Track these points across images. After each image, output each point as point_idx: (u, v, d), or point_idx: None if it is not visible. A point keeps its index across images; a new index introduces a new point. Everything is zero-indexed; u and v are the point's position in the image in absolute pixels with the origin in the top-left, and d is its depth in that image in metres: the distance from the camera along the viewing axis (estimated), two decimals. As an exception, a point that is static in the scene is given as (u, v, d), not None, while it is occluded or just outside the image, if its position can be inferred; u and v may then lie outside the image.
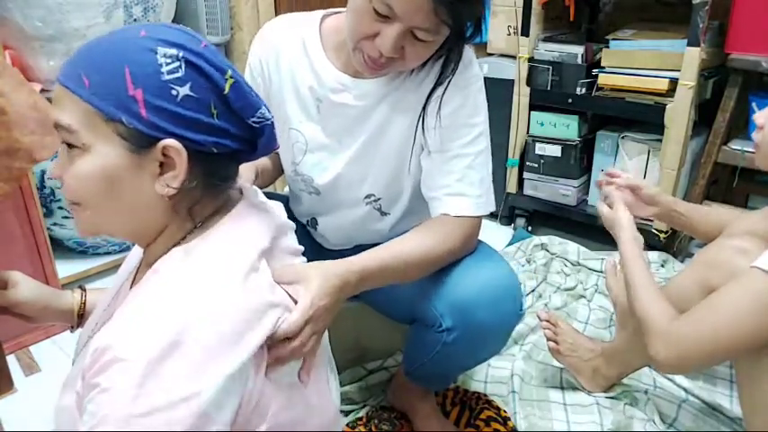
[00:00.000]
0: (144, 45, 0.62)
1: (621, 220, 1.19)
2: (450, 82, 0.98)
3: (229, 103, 0.65)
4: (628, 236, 1.16)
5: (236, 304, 0.64)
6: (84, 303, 0.90)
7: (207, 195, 0.69)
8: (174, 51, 0.62)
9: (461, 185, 0.99)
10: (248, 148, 0.70)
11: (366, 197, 1.10)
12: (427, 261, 0.95)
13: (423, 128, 1.01)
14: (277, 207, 0.80)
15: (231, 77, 0.65)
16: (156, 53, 0.62)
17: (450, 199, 0.99)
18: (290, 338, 0.70)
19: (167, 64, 0.62)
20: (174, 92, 0.62)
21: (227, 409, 0.61)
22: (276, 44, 1.07)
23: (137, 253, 0.83)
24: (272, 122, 0.70)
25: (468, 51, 1.01)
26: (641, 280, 1.06)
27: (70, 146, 0.64)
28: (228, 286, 0.65)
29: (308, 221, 1.21)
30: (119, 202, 0.65)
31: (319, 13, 1.07)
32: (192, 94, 0.62)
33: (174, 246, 0.68)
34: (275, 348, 0.69)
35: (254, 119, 0.68)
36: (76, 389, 0.64)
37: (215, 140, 0.65)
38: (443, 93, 0.98)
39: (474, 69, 1.01)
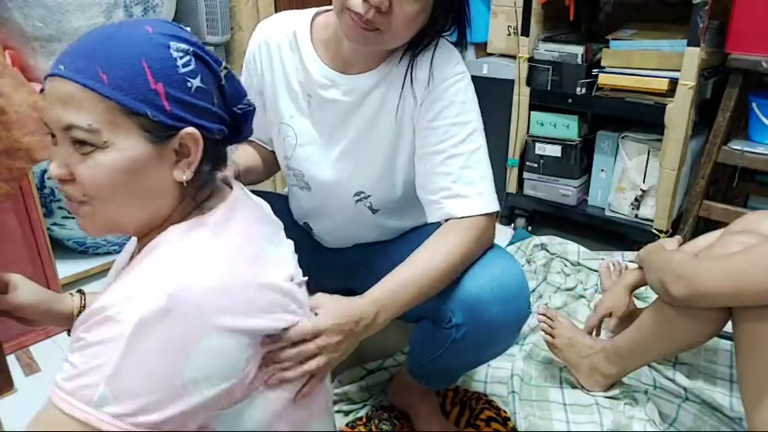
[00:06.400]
0: (156, 41, 0.64)
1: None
2: (433, 61, 0.98)
3: (224, 91, 0.71)
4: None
5: (239, 281, 0.66)
6: (84, 306, 0.90)
7: (209, 179, 0.73)
8: (184, 46, 0.66)
9: (459, 186, 0.97)
10: (234, 134, 0.75)
11: (356, 194, 1.10)
12: (443, 273, 0.93)
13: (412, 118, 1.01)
14: (262, 203, 0.82)
15: (225, 68, 0.71)
16: (170, 48, 0.65)
17: (449, 202, 0.97)
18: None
19: (180, 58, 0.65)
20: (188, 84, 0.66)
21: (208, 388, 0.63)
22: (269, 40, 1.08)
23: (126, 252, 0.85)
24: (254, 109, 0.77)
25: (451, 49, 1.01)
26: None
27: (83, 143, 0.62)
28: (235, 260, 0.67)
29: (304, 224, 1.22)
30: (140, 192, 0.66)
31: (313, 10, 1.08)
32: (202, 85, 0.67)
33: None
34: (273, 345, 0.72)
35: (240, 105, 0.74)
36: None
37: (219, 127, 0.70)
38: (423, 102, 0.99)
39: (457, 67, 0.99)
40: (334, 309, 0.82)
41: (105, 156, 0.63)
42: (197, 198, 0.72)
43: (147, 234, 0.72)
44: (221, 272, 0.65)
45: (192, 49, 0.66)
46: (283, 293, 0.73)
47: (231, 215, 0.72)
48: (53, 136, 0.65)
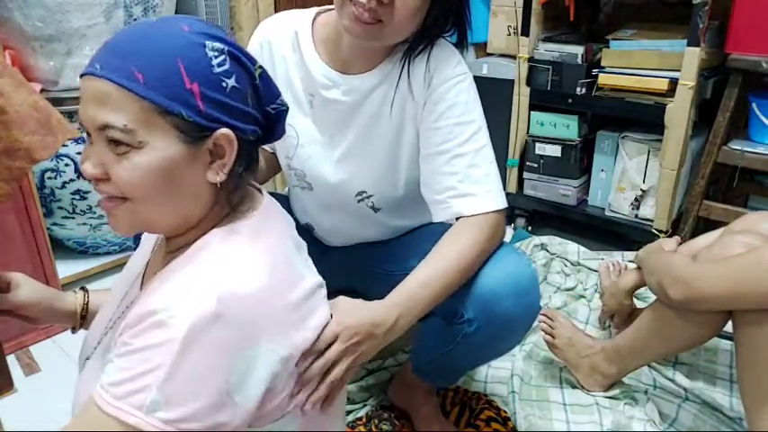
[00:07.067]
0: (192, 40, 0.63)
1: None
2: (430, 54, 0.99)
3: (258, 91, 0.70)
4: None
5: (281, 288, 0.67)
6: (87, 304, 0.90)
7: (242, 181, 0.72)
8: (219, 45, 0.65)
9: (466, 186, 0.97)
10: (266, 134, 0.74)
11: (358, 194, 1.10)
12: (460, 272, 0.93)
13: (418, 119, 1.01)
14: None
15: (259, 68, 0.69)
16: (205, 47, 0.63)
17: (457, 201, 0.97)
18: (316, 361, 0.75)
19: (215, 57, 0.64)
20: (224, 84, 0.64)
21: (250, 392, 0.63)
22: (271, 40, 1.08)
23: (141, 253, 0.84)
24: (287, 108, 0.75)
25: (452, 50, 1.01)
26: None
27: (118, 143, 0.62)
28: (275, 267, 0.67)
29: (306, 224, 1.22)
30: (173, 193, 0.65)
31: (315, 9, 1.08)
32: (236, 85, 0.66)
33: (213, 228, 0.69)
34: (302, 365, 0.72)
35: (274, 105, 0.72)
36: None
37: (252, 128, 0.69)
38: (425, 103, 0.99)
39: (458, 68, 1.00)
40: (351, 311, 0.81)
41: (140, 156, 0.62)
42: (230, 201, 0.71)
43: (179, 235, 0.71)
44: (266, 278, 0.65)
45: (227, 48, 0.65)
46: (308, 302, 0.73)
47: (266, 223, 0.72)
48: (88, 135, 0.64)
